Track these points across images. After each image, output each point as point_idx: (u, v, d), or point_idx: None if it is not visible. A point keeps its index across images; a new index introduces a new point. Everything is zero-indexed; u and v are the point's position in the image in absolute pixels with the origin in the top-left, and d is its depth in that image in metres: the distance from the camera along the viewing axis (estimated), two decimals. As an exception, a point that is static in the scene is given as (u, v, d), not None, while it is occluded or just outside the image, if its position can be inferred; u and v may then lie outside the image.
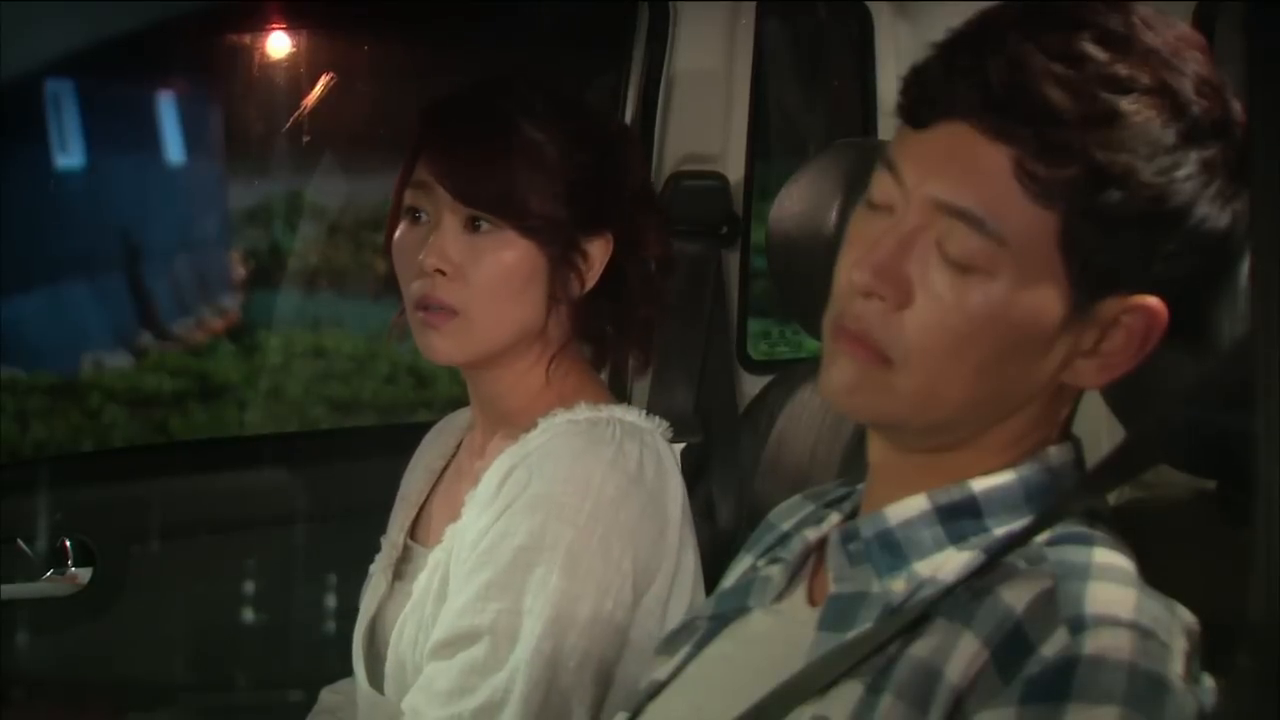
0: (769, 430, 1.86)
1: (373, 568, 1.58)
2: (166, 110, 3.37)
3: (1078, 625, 0.90)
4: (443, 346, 1.44)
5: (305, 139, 2.32)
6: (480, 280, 1.42)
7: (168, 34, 1.86)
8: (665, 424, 1.47)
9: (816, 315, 1.05)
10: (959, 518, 1.02)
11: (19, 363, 4.18)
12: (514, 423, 1.46)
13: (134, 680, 2.06)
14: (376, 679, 1.50)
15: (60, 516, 1.97)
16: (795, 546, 1.13)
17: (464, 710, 1.33)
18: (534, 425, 1.42)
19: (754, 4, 2.13)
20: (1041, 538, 0.98)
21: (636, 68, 2.11)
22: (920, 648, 0.95)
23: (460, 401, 1.61)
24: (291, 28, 2.14)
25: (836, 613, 1.03)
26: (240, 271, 4.45)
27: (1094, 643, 0.89)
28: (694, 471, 1.96)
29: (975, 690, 0.92)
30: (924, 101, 0.99)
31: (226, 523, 2.08)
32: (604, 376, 1.60)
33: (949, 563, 1.00)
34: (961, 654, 0.93)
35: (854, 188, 1.55)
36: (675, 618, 1.37)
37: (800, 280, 1.61)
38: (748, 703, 1.01)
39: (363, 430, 3.87)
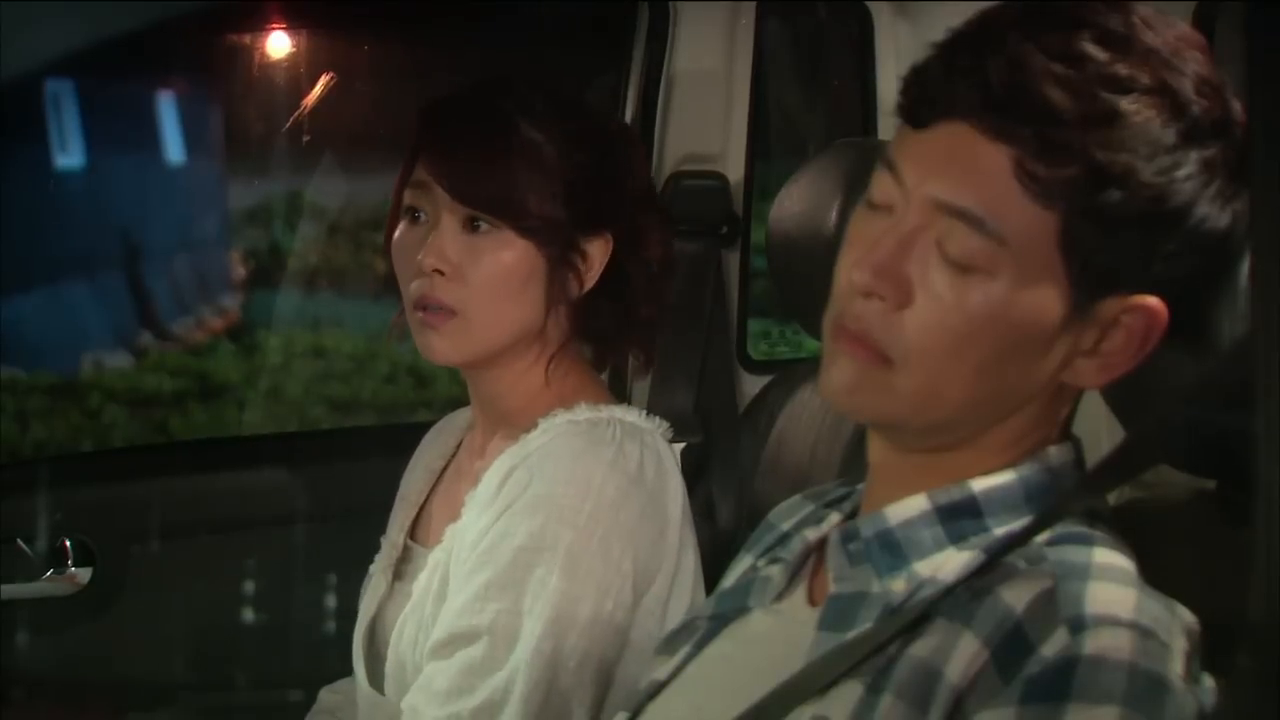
0: (769, 430, 1.86)
1: (372, 568, 1.58)
2: (166, 110, 3.38)
3: (1078, 625, 0.90)
4: (441, 346, 1.44)
5: (305, 139, 2.32)
6: (478, 280, 1.42)
7: (168, 34, 1.86)
8: (665, 424, 1.47)
9: (816, 315, 1.05)
10: (959, 518, 1.02)
11: (19, 363, 4.18)
12: (514, 423, 1.46)
13: (134, 680, 2.06)
14: (377, 679, 1.50)
15: (60, 516, 1.97)
16: (795, 546, 1.13)
17: (462, 710, 1.33)
18: (534, 425, 1.42)
19: (754, 4, 2.13)
20: (1041, 538, 0.98)
21: (636, 68, 2.11)
22: (920, 648, 0.95)
23: (460, 401, 1.61)
24: (291, 28, 2.14)
25: (836, 613, 1.03)
26: (240, 271, 4.45)
27: (1094, 643, 0.89)
28: (694, 471, 1.96)
29: (975, 690, 0.92)
30: (924, 101, 0.99)
31: (226, 523, 2.08)
32: (604, 377, 1.60)
33: (949, 563, 1.00)
34: (961, 654, 0.93)
35: (854, 188, 1.55)
36: (675, 618, 1.37)
37: (800, 280, 1.61)
38: (748, 703, 1.01)
39: (363, 430, 3.87)
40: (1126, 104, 0.94)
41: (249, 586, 2.07)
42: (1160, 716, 0.87)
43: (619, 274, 1.47)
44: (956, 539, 1.01)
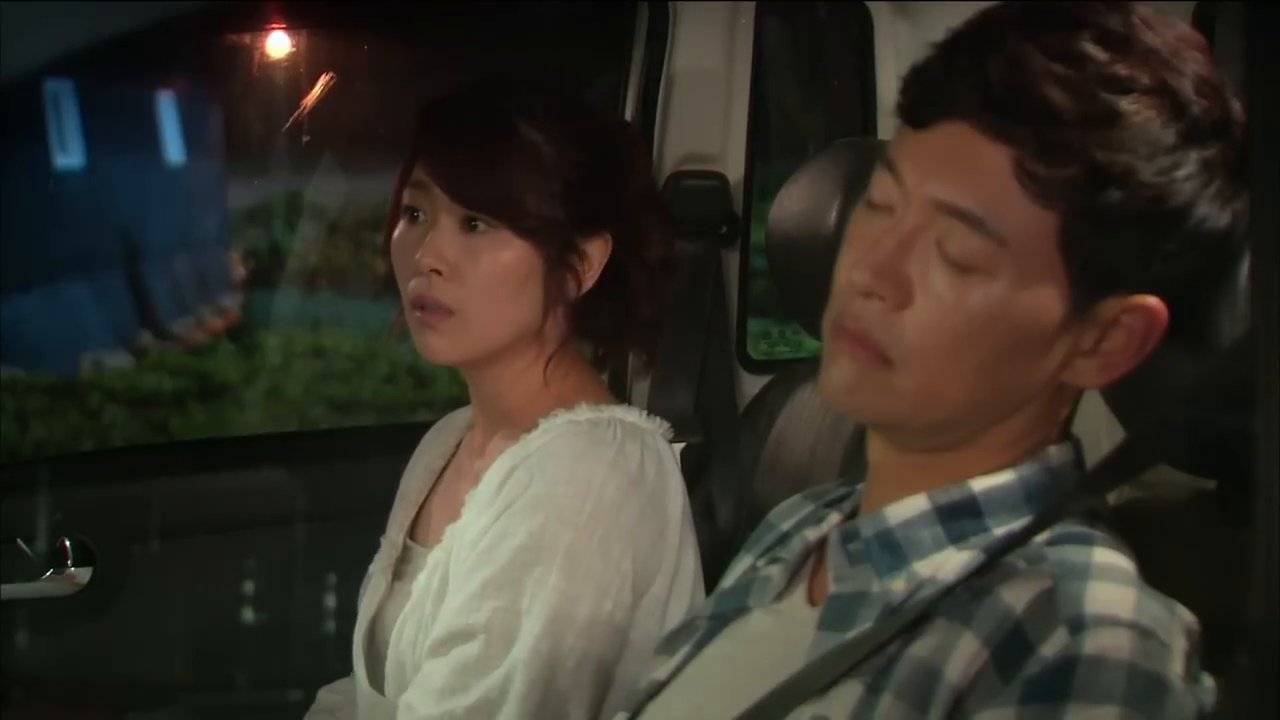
0: (769, 430, 1.86)
1: (372, 568, 1.58)
2: (166, 110, 3.37)
3: (1077, 625, 0.90)
4: (439, 346, 1.44)
5: (305, 139, 2.32)
6: (476, 280, 1.42)
7: (168, 34, 1.86)
8: (665, 424, 1.47)
9: (816, 315, 1.05)
10: (959, 517, 1.02)
11: (19, 363, 4.18)
12: (514, 422, 1.46)
13: (134, 680, 2.06)
14: (376, 679, 1.50)
15: (60, 516, 1.97)
16: (795, 546, 1.13)
17: (457, 708, 1.33)
18: (535, 425, 1.42)
19: (754, 4, 2.13)
20: (1041, 537, 0.98)
21: (636, 68, 2.11)
22: (920, 647, 0.95)
23: (460, 401, 1.61)
24: (291, 28, 2.14)
25: (836, 612, 1.03)
26: (240, 271, 4.45)
27: (1094, 642, 0.89)
28: (694, 471, 1.96)
29: (975, 690, 0.92)
30: (924, 101, 0.99)
31: (226, 523, 2.08)
32: (604, 377, 1.60)
33: (949, 562, 1.00)
34: (961, 654, 0.93)
35: (854, 188, 1.55)
36: (675, 618, 1.37)
37: (800, 280, 1.61)
38: (748, 703, 1.01)
39: (363, 430, 3.87)
40: (1126, 104, 0.94)
41: (249, 586, 2.07)
42: (1160, 716, 0.87)
43: (619, 274, 1.47)
44: (956, 539, 1.01)
